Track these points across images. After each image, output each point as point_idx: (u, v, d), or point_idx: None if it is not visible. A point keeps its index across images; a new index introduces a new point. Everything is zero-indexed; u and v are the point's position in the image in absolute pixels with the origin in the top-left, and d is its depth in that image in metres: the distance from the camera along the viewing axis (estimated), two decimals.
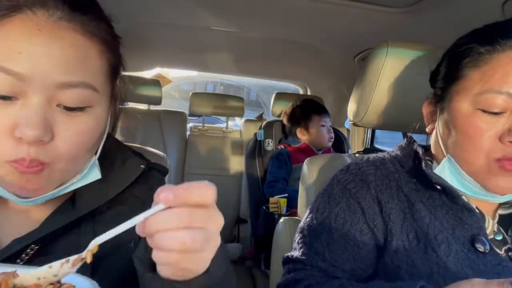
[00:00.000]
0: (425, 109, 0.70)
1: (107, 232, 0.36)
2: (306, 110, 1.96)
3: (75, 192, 0.52)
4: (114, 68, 0.51)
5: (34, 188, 0.46)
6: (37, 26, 0.42)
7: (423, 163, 0.65)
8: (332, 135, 1.98)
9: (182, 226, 0.34)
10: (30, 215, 0.51)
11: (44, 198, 0.48)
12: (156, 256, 0.36)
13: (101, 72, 0.48)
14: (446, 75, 0.64)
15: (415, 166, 0.67)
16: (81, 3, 0.46)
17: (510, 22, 0.59)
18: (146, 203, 0.55)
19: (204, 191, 0.35)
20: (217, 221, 0.37)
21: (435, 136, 0.68)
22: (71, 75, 0.44)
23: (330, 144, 1.97)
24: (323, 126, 1.94)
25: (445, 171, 0.63)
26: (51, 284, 0.37)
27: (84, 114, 0.46)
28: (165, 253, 0.35)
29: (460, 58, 0.60)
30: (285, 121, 2.05)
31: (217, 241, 0.38)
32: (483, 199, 0.62)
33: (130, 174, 0.55)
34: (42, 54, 0.42)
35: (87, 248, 0.36)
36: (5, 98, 0.42)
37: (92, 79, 0.46)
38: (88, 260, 0.36)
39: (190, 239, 0.34)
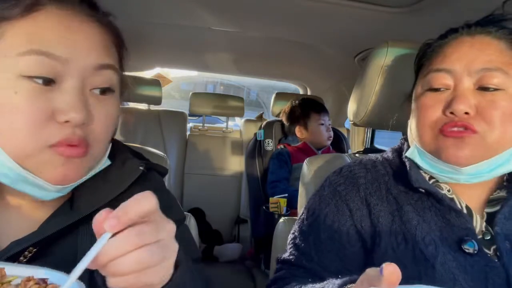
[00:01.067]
0: (408, 107, 0.72)
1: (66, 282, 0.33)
2: (305, 108, 1.96)
3: (73, 194, 0.52)
4: (121, 61, 0.55)
5: (74, 174, 0.47)
6: (69, 16, 0.46)
7: (407, 165, 0.66)
8: (331, 133, 1.97)
9: (135, 247, 0.33)
10: (29, 216, 0.51)
11: (74, 185, 0.49)
12: (113, 282, 0.34)
13: (116, 61, 0.52)
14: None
15: (403, 168, 0.68)
16: (93, 2, 0.51)
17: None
18: None
19: (144, 202, 0.34)
20: (167, 227, 0.36)
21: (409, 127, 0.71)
22: (105, 57, 0.48)
23: (329, 142, 1.96)
24: (322, 124, 1.94)
25: (414, 153, 0.66)
26: (37, 283, 0.37)
27: (111, 97, 0.50)
28: (123, 277, 0.34)
29: (421, 54, 0.69)
30: (284, 120, 2.04)
31: (173, 246, 0.37)
32: (452, 178, 0.62)
33: (129, 176, 0.55)
34: (79, 38, 0.46)
35: None
36: (46, 81, 0.44)
37: (116, 64, 0.51)
38: None
39: (146, 256, 0.34)
